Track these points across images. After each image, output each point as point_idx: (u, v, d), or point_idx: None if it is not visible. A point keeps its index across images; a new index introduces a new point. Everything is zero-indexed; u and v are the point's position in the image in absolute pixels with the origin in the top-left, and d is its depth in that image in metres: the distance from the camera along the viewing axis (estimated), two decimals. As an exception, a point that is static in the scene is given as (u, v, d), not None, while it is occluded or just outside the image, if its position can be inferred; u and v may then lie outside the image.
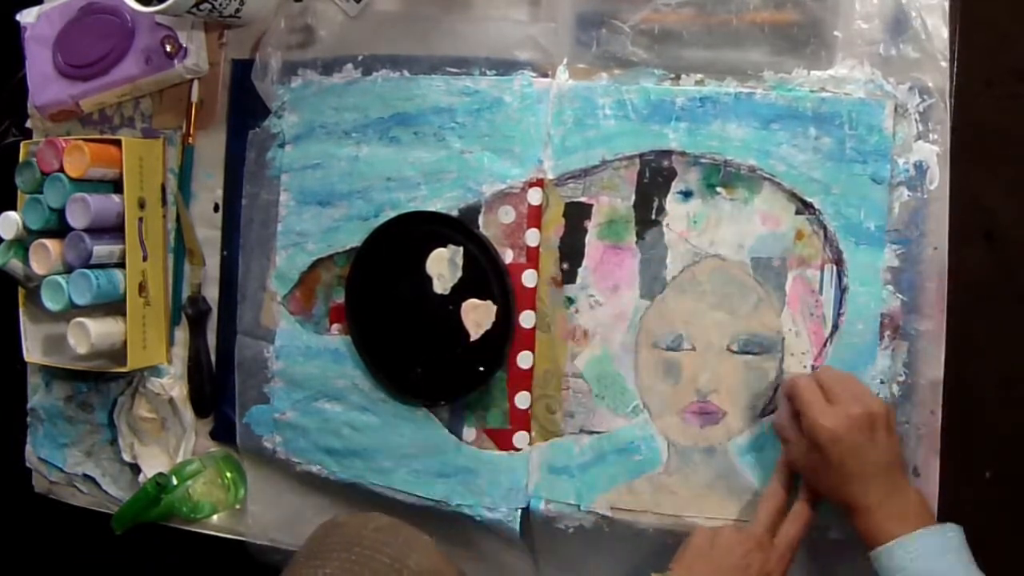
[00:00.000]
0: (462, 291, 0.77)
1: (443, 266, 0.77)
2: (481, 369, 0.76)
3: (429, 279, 0.78)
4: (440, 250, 0.77)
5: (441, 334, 0.77)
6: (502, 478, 0.77)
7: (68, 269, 0.86)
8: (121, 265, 0.86)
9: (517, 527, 0.77)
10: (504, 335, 0.75)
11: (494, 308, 0.74)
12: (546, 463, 0.77)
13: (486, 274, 0.76)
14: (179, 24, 0.86)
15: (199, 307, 0.91)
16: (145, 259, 0.88)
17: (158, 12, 0.77)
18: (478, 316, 0.74)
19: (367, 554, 0.57)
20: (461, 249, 0.77)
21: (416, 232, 0.78)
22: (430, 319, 0.78)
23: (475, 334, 0.75)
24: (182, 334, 0.92)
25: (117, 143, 0.86)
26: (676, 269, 0.74)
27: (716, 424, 0.74)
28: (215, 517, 0.90)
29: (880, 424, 0.65)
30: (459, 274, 0.77)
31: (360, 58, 0.82)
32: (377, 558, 0.57)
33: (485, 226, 0.78)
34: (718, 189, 0.74)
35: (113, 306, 0.87)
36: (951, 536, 0.63)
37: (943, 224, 0.71)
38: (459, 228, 0.77)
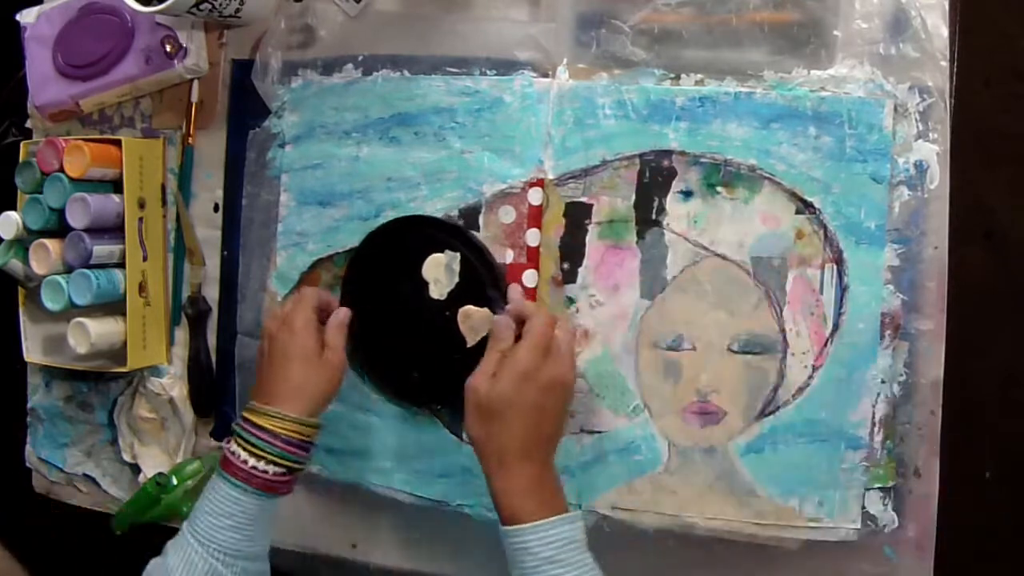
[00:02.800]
0: (459, 297, 0.76)
1: (440, 271, 0.77)
2: None
3: (425, 284, 0.77)
4: (437, 255, 0.77)
5: (438, 339, 0.77)
6: (502, 478, 0.77)
7: (68, 269, 0.86)
8: (121, 265, 0.86)
9: (517, 527, 0.77)
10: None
11: (491, 315, 0.74)
12: (546, 463, 0.77)
13: (483, 281, 0.76)
14: (179, 24, 0.86)
15: (199, 307, 0.91)
16: (145, 259, 0.88)
17: (158, 12, 0.77)
18: (474, 323, 0.74)
19: None
20: (458, 255, 0.77)
21: (414, 236, 0.78)
22: (427, 324, 0.78)
23: (471, 341, 0.74)
24: (182, 334, 0.92)
25: (117, 143, 0.86)
26: (676, 269, 0.74)
27: (716, 424, 0.74)
28: (215, 517, 0.90)
29: (566, 397, 0.68)
30: (456, 279, 0.77)
31: (360, 58, 0.82)
32: None
33: (485, 226, 0.78)
34: (718, 189, 0.74)
35: (113, 306, 0.87)
36: (578, 526, 0.65)
37: (943, 223, 0.71)
38: (457, 234, 0.77)
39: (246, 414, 0.71)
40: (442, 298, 0.77)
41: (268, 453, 0.69)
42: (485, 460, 0.67)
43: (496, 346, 0.69)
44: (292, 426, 0.70)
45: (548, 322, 0.68)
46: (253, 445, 0.69)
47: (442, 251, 0.77)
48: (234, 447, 0.69)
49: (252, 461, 0.68)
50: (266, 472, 0.68)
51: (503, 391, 0.66)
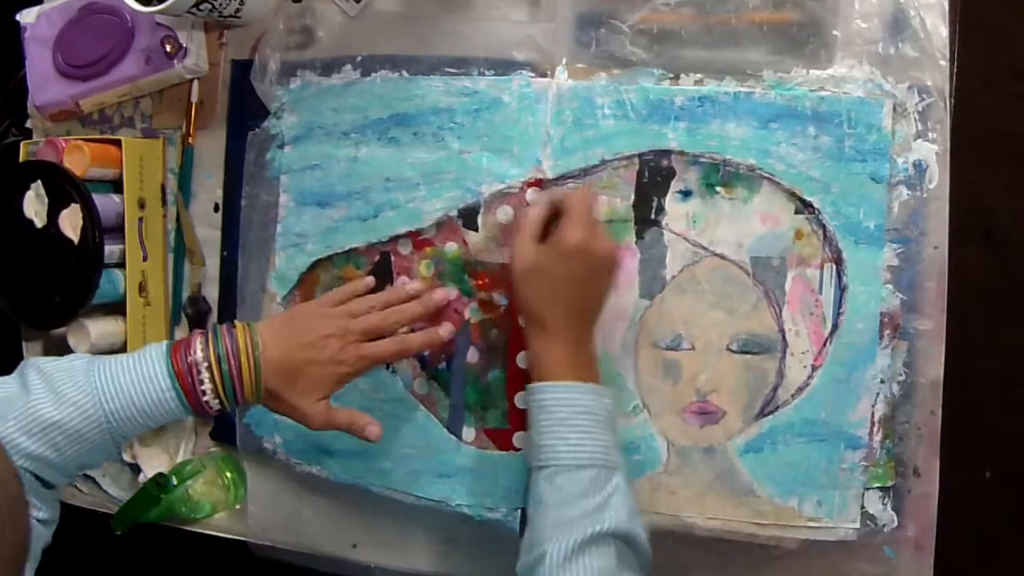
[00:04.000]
0: (55, 212, 0.83)
1: (36, 203, 0.83)
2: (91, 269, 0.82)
3: (31, 220, 0.84)
4: (28, 193, 0.84)
5: (59, 257, 0.83)
6: (502, 478, 0.77)
7: (68, 269, 0.86)
8: (121, 265, 0.86)
9: (517, 527, 0.77)
10: (94, 223, 0.82)
11: (78, 208, 0.81)
12: (546, 463, 0.77)
13: (62, 186, 0.82)
14: (179, 24, 0.86)
15: (199, 307, 0.91)
16: (145, 259, 0.88)
17: (158, 12, 0.77)
18: (72, 222, 0.82)
19: None
20: (39, 181, 0.83)
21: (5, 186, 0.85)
22: (47, 251, 0.83)
23: (76, 238, 0.82)
24: (182, 334, 0.92)
25: (117, 143, 0.86)
26: (675, 269, 0.74)
27: (716, 424, 0.74)
28: (215, 517, 0.90)
29: (612, 275, 0.70)
30: (47, 201, 0.83)
31: (359, 59, 0.82)
32: None
33: (484, 226, 0.78)
34: (717, 188, 0.74)
35: (113, 306, 0.87)
36: (601, 401, 0.67)
37: (943, 223, 0.71)
38: (29, 167, 0.85)
39: (238, 329, 0.67)
40: (46, 223, 0.83)
41: (226, 396, 0.65)
42: (530, 321, 0.70)
43: (530, 212, 0.71)
44: (253, 381, 0.66)
45: (588, 198, 0.71)
46: (223, 381, 0.65)
47: (28, 188, 0.84)
48: (203, 370, 0.64)
49: (209, 396, 0.65)
50: (211, 408, 0.66)
51: (556, 258, 0.67)
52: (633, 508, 0.64)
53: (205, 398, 0.65)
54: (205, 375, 0.64)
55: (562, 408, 0.65)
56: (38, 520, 0.62)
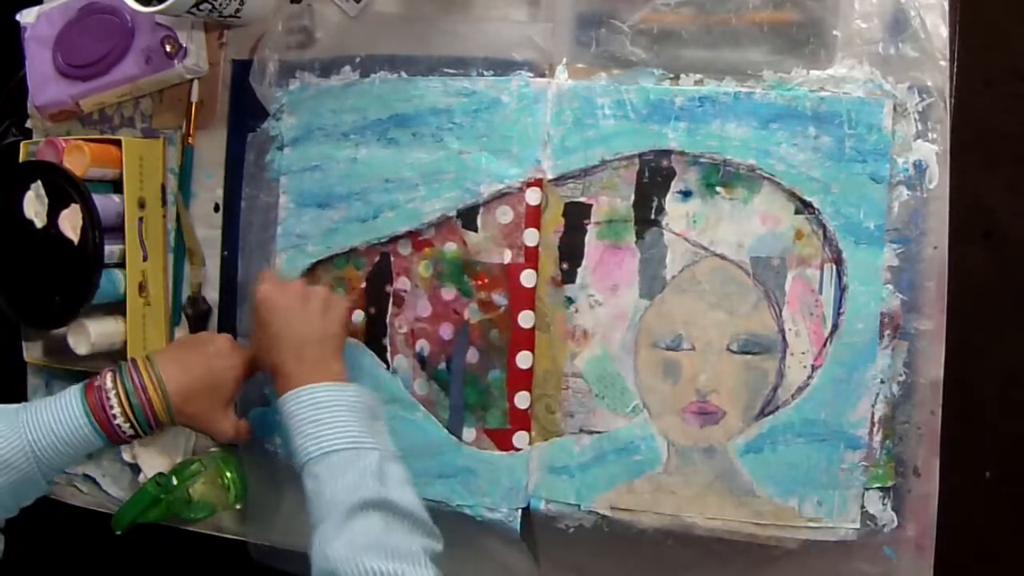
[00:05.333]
0: (55, 212, 0.83)
1: (36, 203, 0.83)
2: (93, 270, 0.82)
3: (31, 220, 0.84)
4: (28, 193, 0.83)
5: (59, 257, 0.82)
6: (502, 478, 0.77)
7: (68, 269, 0.86)
8: (121, 265, 0.86)
9: (517, 527, 0.77)
10: (94, 224, 0.81)
11: (78, 208, 0.81)
12: (546, 463, 0.77)
13: (62, 186, 0.82)
14: (179, 24, 0.86)
15: (199, 307, 0.91)
16: (145, 259, 0.88)
17: (158, 12, 0.77)
18: (72, 222, 0.82)
19: None
20: (39, 181, 0.83)
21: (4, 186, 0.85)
22: (47, 251, 0.83)
23: (76, 238, 0.82)
24: (182, 334, 0.92)
25: (117, 143, 0.86)
26: (676, 269, 0.74)
27: (716, 424, 0.74)
28: (215, 517, 0.90)
29: (315, 300, 0.75)
30: (47, 201, 0.82)
31: (358, 60, 0.82)
32: None
33: (483, 226, 0.78)
34: (717, 189, 0.73)
35: (113, 306, 0.87)
36: (349, 395, 0.69)
37: (943, 223, 0.71)
38: (29, 167, 0.84)
39: (140, 362, 0.73)
40: (46, 223, 0.83)
41: (137, 421, 0.71)
42: (273, 382, 0.73)
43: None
44: (163, 405, 0.72)
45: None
46: (131, 405, 0.71)
47: (28, 188, 0.83)
48: (112, 396, 0.71)
49: (120, 420, 0.70)
50: (124, 433, 0.71)
51: (252, 319, 0.76)
52: (397, 480, 0.66)
53: (116, 421, 0.70)
54: (116, 408, 0.70)
55: (300, 409, 0.68)
56: None
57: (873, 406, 0.71)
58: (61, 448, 0.68)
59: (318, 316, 0.74)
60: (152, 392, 0.71)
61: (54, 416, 0.69)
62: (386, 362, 0.81)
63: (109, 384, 0.71)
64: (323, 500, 0.64)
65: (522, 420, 0.77)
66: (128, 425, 0.71)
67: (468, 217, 0.78)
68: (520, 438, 0.77)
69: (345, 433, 0.67)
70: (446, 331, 0.79)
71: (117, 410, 0.70)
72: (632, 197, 0.75)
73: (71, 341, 0.86)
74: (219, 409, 0.76)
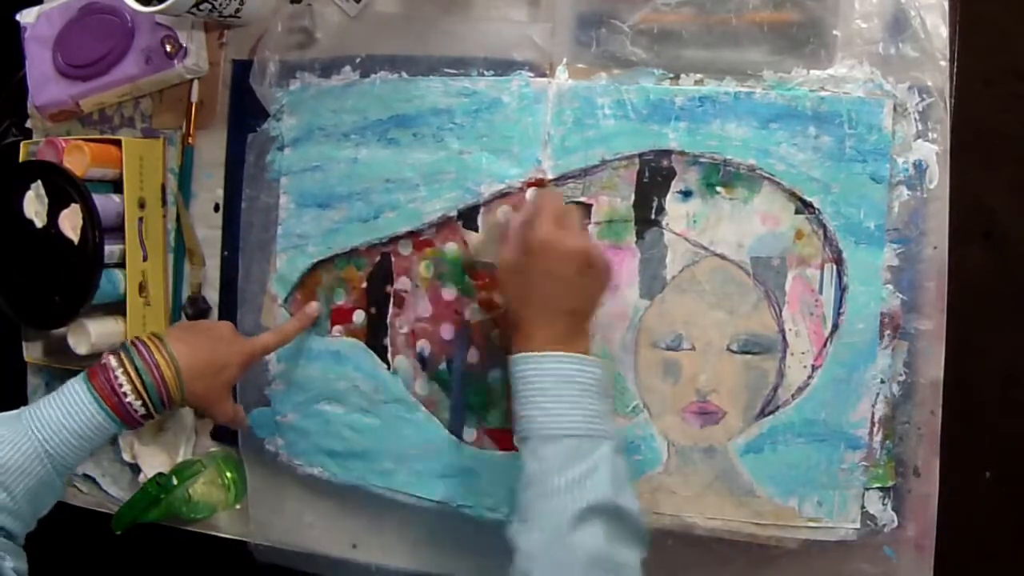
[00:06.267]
0: (55, 212, 0.83)
1: (36, 203, 0.83)
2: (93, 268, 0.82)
3: (31, 220, 0.84)
4: (28, 193, 0.83)
5: (59, 257, 0.83)
6: (503, 478, 0.77)
7: (68, 269, 0.86)
8: (121, 265, 0.86)
9: (517, 527, 0.77)
10: (94, 224, 0.81)
11: (78, 208, 0.81)
12: (546, 463, 0.77)
13: (62, 186, 0.82)
14: (179, 24, 0.86)
15: (199, 307, 0.91)
16: (145, 259, 0.88)
17: (158, 12, 0.77)
18: (72, 222, 0.82)
19: None
20: (39, 181, 0.83)
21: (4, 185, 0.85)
22: (47, 251, 0.83)
23: (76, 238, 0.82)
24: (182, 334, 0.92)
25: (117, 143, 0.86)
26: (676, 269, 0.74)
27: (716, 424, 0.74)
28: (215, 517, 0.90)
29: (593, 271, 0.67)
30: (47, 201, 0.83)
31: (358, 60, 0.82)
32: None
33: (484, 226, 0.78)
34: (718, 188, 0.73)
35: (113, 306, 0.87)
36: (588, 370, 0.64)
37: (943, 223, 0.71)
38: (30, 167, 0.84)
39: (148, 341, 0.72)
40: (46, 223, 0.83)
41: (151, 398, 0.70)
42: (511, 325, 0.68)
43: (513, 219, 0.70)
44: (176, 382, 0.71)
45: (555, 197, 0.69)
46: (143, 383, 0.69)
47: (28, 188, 0.83)
48: (120, 375, 0.69)
49: (132, 399, 0.69)
50: (136, 413, 0.70)
51: (526, 258, 0.66)
52: (622, 479, 0.62)
53: (128, 400, 0.69)
54: (127, 387, 0.69)
55: (540, 378, 0.63)
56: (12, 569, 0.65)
57: (873, 406, 0.71)
58: (74, 442, 0.67)
59: (589, 287, 0.67)
60: (165, 368, 0.70)
61: (61, 410, 0.67)
62: (387, 362, 0.81)
63: (115, 364, 0.69)
64: (545, 488, 0.60)
65: (522, 420, 0.77)
66: (140, 403, 0.69)
67: (469, 217, 0.78)
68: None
69: (584, 417, 0.62)
70: (447, 331, 0.79)
71: (128, 388, 0.69)
72: (632, 197, 0.75)
73: (71, 341, 0.86)
74: (223, 390, 0.76)
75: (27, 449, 0.65)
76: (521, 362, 0.65)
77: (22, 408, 0.69)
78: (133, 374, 0.69)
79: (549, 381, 0.63)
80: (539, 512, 0.60)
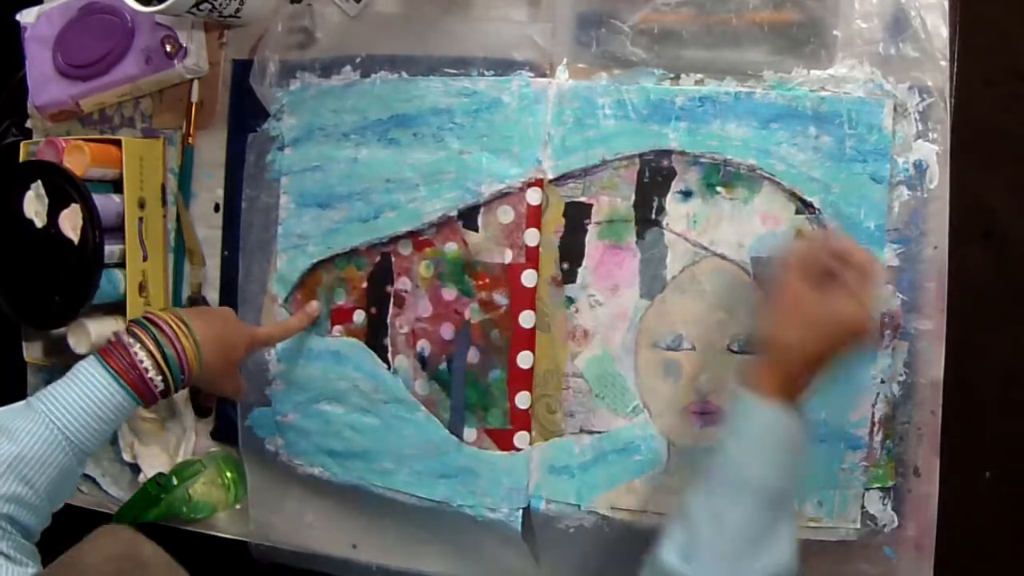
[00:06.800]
0: (55, 212, 0.83)
1: (36, 203, 0.83)
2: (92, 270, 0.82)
3: (31, 220, 0.84)
4: (28, 193, 0.83)
5: (59, 257, 0.83)
6: (503, 478, 0.77)
7: (68, 269, 0.86)
8: (121, 265, 0.86)
9: (518, 527, 0.77)
10: (94, 224, 0.82)
11: (78, 208, 0.81)
12: (546, 463, 0.77)
13: (62, 186, 0.82)
14: (179, 24, 0.86)
15: (199, 307, 0.91)
16: (145, 259, 0.88)
17: (158, 12, 0.77)
18: (72, 222, 0.82)
19: None
20: (39, 181, 0.83)
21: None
22: (47, 251, 0.83)
23: (76, 238, 0.82)
24: (182, 334, 0.92)
25: (117, 143, 0.86)
26: (676, 269, 0.74)
27: (716, 424, 0.74)
28: (215, 517, 0.90)
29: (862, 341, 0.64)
30: (47, 201, 0.83)
31: (358, 60, 0.82)
32: None
33: (484, 226, 0.78)
34: (718, 189, 0.73)
35: (113, 306, 0.87)
36: (789, 424, 0.62)
37: (943, 223, 0.71)
38: (30, 167, 0.84)
39: (166, 315, 0.70)
40: (46, 223, 0.83)
41: (171, 371, 0.69)
42: (768, 346, 0.64)
43: (805, 248, 0.66)
44: (195, 353, 0.71)
45: (874, 269, 0.64)
46: (164, 356, 0.68)
47: (28, 188, 0.83)
48: (139, 350, 0.67)
49: (152, 373, 0.68)
50: (156, 387, 0.68)
51: (826, 316, 0.62)
52: (796, 547, 0.61)
53: (149, 375, 0.67)
54: (148, 362, 0.67)
55: (769, 434, 0.62)
56: None
57: (873, 406, 0.71)
58: (95, 425, 0.65)
59: (832, 336, 0.63)
60: (185, 340, 0.70)
61: (76, 393, 0.65)
62: (387, 362, 0.81)
63: (131, 340, 0.68)
64: (722, 539, 0.61)
65: (523, 420, 0.77)
66: (161, 378, 0.68)
67: (469, 217, 0.78)
68: (521, 438, 0.77)
69: (778, 479, 0.61)
70: (447, 331, 0.79)
71: (148, 363, 0.67)
72: (632, 197, 0.75)
73: (71, 341, 0.86)
74: (233, 367, 0.76)
75: (48, 438, 0.63)
76: (748, 405, 0.62)
77: (29, 399, 0.66)
78: (153, 347, 0.68)
79: (774, 438, 0.62)
80: (707, 555, 0.61)
